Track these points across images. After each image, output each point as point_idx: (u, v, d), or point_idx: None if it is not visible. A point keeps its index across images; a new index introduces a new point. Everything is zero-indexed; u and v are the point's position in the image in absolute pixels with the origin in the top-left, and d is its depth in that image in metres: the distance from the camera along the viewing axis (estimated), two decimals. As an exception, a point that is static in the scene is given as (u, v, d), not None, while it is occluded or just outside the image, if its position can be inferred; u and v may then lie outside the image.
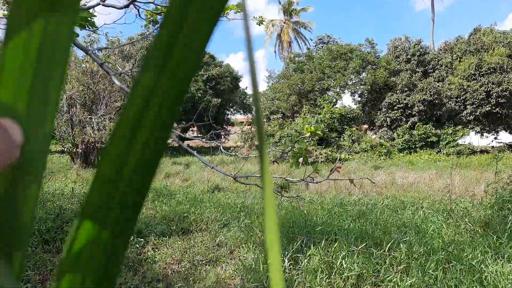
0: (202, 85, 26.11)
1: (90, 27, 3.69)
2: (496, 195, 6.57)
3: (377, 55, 25.87)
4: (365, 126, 26.81)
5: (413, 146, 23.04)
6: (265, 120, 26.20)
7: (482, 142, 29.86)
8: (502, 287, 3.57)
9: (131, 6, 2.96)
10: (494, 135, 25.77)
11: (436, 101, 23.60)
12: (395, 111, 24.36)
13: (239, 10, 3.26)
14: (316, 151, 19.87)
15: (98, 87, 14.54)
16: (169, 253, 4.95)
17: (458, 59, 24.65)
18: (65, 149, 14.50)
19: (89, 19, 2.60)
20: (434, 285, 3.73)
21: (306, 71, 25.99)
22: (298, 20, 44.98)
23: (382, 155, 20.82)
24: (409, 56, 25.15)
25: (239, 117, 33.18)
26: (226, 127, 29.96)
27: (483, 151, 23.91)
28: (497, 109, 22.81)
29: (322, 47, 28.17)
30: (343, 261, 4.11)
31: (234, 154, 4.06)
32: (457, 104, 23.62)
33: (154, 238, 5.47)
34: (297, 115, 25.52)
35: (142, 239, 5.36)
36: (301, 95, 25.50)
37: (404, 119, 24.31)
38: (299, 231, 5.46)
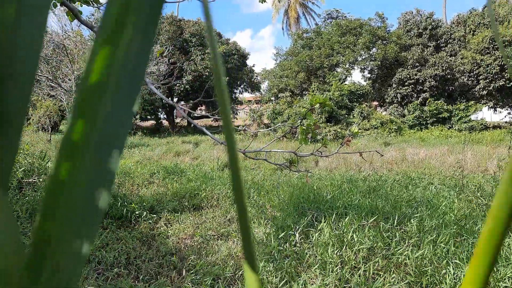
0: (209, 64, 25.86)
1: (94, 3, 3.62)
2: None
3: (387, 29, 25.11)
4: (375, 102, 26.41)
5: (424, 122, 22.70)
6: (273, 98, 25.94)
7: (495, 118, 29.30)
8: (515, 259, 3.56)
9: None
10: (507, 110, 25.21)
11: (448, 76, 23.04)
12: (406, 87, 23.88)
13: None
14: (325, 128, 19.74)
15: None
16: (182, 228, 5.03)
17: (472, 33, 23.87)
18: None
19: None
20: (445, 257, 3.74)
21: (314, 48, 25.46)
22: (306, -6, 43.84)
23: (392, 132, 20.60)
24: (420, 30, 24.41)
25: (247, 95, 32.92)
26: (234, 105, 29.80)
27: (496, 127, 23.50)
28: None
29: (331, 22, 27.45)
30: (354, 235, 4.13)
31: (243, 130, 4.03)
32: (470, 79, 23.03)
33: (167, 214, 5.56)
34: (306, 92, 25.19)
35: (155, 215, 5.45)
36: (310, 72, 25.09)
37: (415, 95, 23.85)
38: (310, 206, 5.48)
